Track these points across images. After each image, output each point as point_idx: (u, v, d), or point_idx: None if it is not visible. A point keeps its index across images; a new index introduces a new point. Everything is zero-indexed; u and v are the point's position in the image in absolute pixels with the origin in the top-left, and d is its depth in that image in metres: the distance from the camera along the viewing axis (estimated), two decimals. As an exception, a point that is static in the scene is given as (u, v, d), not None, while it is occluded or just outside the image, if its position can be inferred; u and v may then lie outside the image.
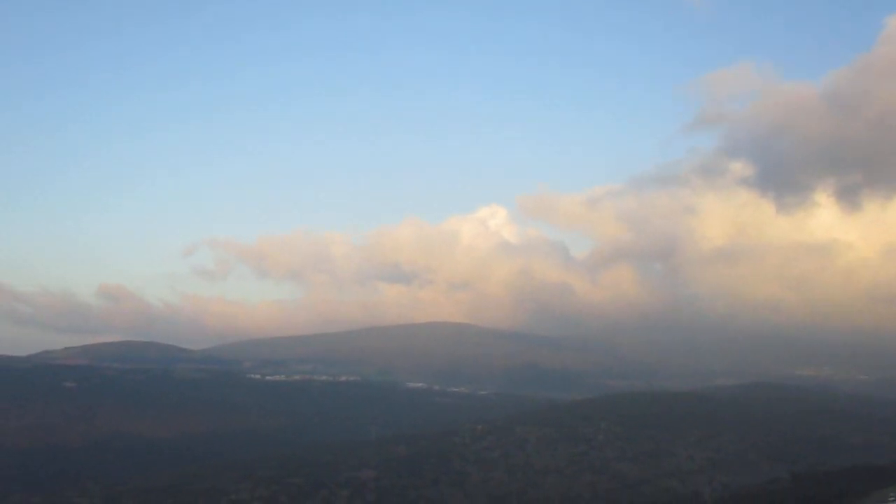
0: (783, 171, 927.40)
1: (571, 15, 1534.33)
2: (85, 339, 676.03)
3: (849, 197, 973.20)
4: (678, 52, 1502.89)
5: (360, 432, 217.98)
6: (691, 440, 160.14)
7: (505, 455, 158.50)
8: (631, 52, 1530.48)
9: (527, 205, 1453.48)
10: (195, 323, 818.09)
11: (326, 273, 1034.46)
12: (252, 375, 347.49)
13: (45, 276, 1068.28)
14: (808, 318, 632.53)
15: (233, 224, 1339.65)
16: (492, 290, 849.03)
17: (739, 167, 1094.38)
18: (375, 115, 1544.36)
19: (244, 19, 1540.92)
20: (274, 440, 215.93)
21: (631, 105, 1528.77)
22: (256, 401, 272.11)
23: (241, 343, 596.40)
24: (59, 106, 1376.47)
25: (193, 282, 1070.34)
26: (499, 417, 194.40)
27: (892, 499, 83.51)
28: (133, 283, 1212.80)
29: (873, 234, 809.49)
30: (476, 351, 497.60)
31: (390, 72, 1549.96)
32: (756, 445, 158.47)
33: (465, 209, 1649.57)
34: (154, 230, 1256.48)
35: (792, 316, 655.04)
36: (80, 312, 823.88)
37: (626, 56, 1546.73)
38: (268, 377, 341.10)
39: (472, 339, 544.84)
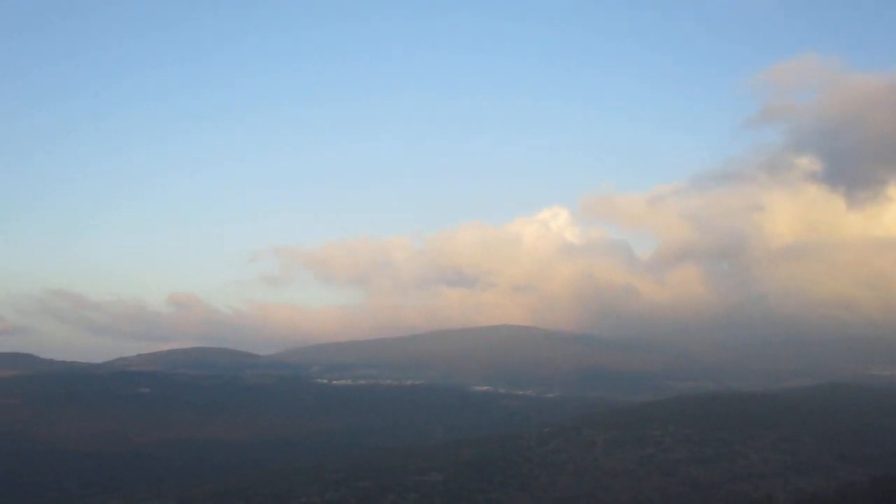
0: (853, 165, 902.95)
1: (630, 12, 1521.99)
2: (157, 345, 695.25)
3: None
4: (740, 45, 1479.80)
5: (427, 436, 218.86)
6: (765, 442, 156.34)
7: (572, 458, 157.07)
8: (691, 46, 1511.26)
9: (589, 205, 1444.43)
10: (262, 329, 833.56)
11: (389, 278, 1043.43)
12: (319, 380, 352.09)
13: (118, 285, 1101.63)
14: (884, 315, 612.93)
15: (296, 231, 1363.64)
16: (555, 291, 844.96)
17: (807, 162, 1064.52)
18: (437, 119, 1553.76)
19: (299, 20, 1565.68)
20: (341, 444, 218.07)
21: (692, 101, 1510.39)
22: (323, 405, 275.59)
23: (307, 348, 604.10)
24: (131, 120, 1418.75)
25: (260, 289, 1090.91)
26: (565, 420, 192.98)
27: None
28: (202, 290, 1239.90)
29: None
30: (541, 353, 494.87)
31: (453, 76, 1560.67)
32: (832, 448, 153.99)
33: (527, 211, 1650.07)
34: (220, 239, 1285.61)
35: (866, 314, 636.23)
36: (152, 320, 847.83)
37: (686, 51, 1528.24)
38: (334, 382, 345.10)
39: (536, 341, 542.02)
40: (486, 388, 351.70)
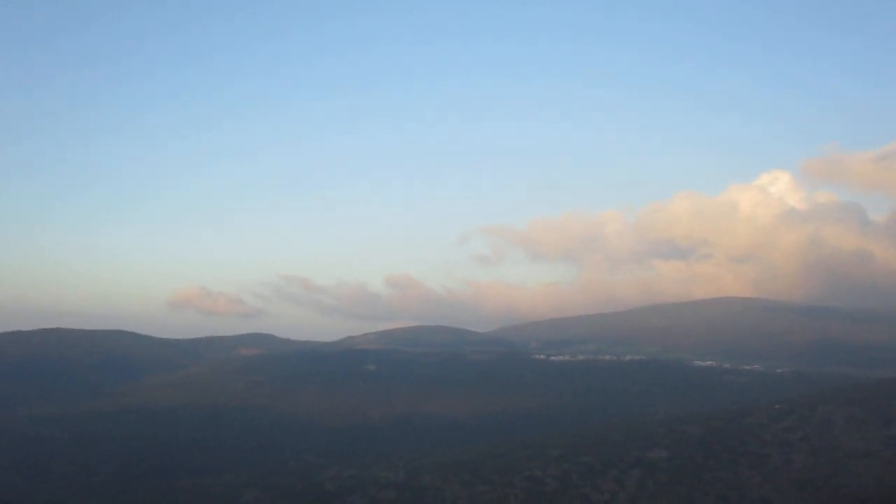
0: None
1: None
2: (380, 325, 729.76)
3: None
4: None
5: (648, 412, 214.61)
6: None
7: (807, 437, 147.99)
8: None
9: (813, 168, 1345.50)
10: (476, 307, 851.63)
11: (600, 253, 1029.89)
12: (537, 356, 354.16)
13: (340, 269, 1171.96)
14: None
15: (503, 210, 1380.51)
16: (778, 261, 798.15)
17: None
18: (644, 86, 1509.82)
19: None
20: (562, 419, 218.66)
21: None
22: (543, 381, 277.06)
23: (522, 325, 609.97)
24: (347, 112, 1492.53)
25: (471, 268, 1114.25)
26: (798, 396, 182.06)
27: None
28: (416, 272, 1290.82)
29: None
30: (767, 326, 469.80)
31: (658, 38, 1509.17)
32: None
33: (744, 177, 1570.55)
34: (430, 221, 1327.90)
35: None
36: (373, 301, 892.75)
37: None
38: (552, 357, 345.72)
39: (761, 313, 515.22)
40: (708, 363, 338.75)
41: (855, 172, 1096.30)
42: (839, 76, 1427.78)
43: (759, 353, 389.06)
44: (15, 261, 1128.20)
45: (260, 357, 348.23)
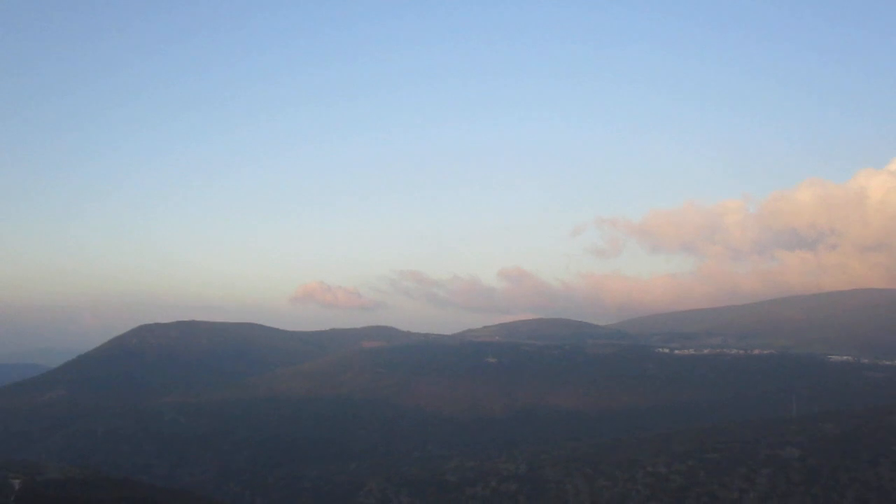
0: None
1: None
2: (497, 317, 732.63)
3: None
4: None
5: (779, 408, 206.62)
6: None
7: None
8: None
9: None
10: (593, 299, 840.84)
11: (720, 244, 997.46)
12: (661, 349, 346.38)
13: (453, 264, 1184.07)
14: None
15: (619, 202, 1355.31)
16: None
17: None
18: (763, 75, 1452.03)
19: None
20: (688, 414, 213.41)
21: None
22: (668, 375, 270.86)
23: (643, 318, 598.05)
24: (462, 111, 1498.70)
25: (586, 260, 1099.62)
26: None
27: None
28: (529, 265, 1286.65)
29: None
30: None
31: (785, 29, 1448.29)
32: None
33: (875, 163, 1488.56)
34: (542, 214, 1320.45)
35: None
36: (487, 294, 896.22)
37: None
38: (676, 351, 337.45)
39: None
40: (844, 357, 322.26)
41: None
42: None
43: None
44: (154, 259, 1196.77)
45: (382, 350, 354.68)
